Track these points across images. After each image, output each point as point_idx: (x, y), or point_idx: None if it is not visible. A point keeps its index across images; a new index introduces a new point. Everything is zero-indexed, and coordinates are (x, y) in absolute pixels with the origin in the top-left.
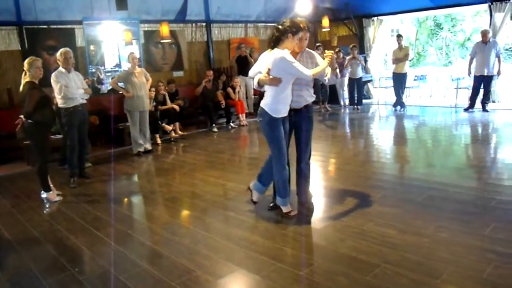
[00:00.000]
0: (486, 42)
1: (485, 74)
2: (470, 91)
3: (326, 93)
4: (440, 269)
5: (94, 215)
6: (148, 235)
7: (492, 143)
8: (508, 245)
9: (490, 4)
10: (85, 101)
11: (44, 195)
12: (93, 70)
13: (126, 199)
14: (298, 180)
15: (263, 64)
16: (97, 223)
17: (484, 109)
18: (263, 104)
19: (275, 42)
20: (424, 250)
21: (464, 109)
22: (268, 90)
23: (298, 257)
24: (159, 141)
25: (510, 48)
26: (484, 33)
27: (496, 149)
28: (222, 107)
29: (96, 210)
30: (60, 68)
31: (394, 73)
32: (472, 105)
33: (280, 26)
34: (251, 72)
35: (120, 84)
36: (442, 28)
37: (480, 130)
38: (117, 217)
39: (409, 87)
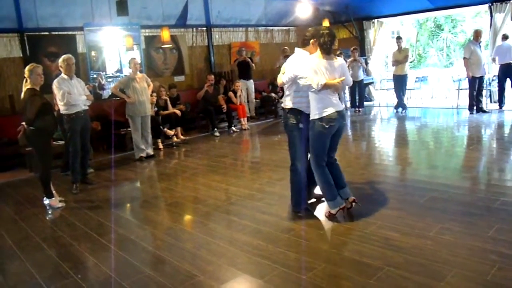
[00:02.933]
0: (479, 42)
1: (479, 75)
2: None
3: None
4: (444, 271)
5: (97, 221)
6: (150, 240)
7: (494, 144)
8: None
9: (490, 4)
10: (87, 107)
11: (46, 201)
12: (95, 76)
13: (128, 205)
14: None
15: (320, 67)
16: (99, 229)
17: (481, 110)
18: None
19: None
20: (428, 252)
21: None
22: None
23: (301, 261)
24: (161, 146)
25: None
26: (477, 33)
27: (498, 150)
28: (224, 111)
29: (98, 216)
30: (62, 75)
31: (394, 75)
32: (472, 105)
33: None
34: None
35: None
36: (442, 29)
37: (482, 131)
38: (119, 223)
39: (410, 89)
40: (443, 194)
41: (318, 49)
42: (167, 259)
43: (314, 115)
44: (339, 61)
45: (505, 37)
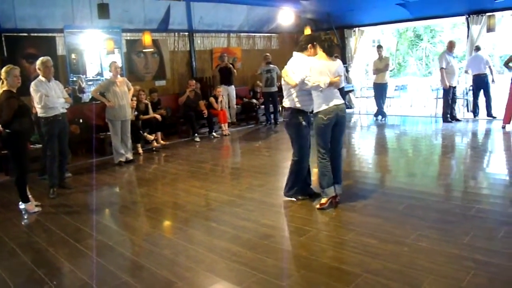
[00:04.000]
0: (452, 52)
1: (453, 85)
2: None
3: None
4: (421, 278)
5: (74, 227)
6: (128, 246)
7: (469, 152)
8: (487, 253)
9: (467, 16)
10: (65, 111)
11: (22, 206)
12: (74, 79)
13: (107, 210)
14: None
15: (324, 68)
16: (77, 234)
17: (455, 119)
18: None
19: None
20: (405, 259)
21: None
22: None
23: (280, 267)
24: (140, 150)
25: None
26: (451, 44)
27: (473, 158)
28: (205, 116)
29: (76, 221)
30: (40, 77)
31: (375, 83)
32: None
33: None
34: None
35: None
36: (421, 39)
37: (458, 139)
38: (97, 229)
39: (390, 97)
40: (420, 202)
41: (319, 52)
42: (145, 266)
43: (316, 109)
44: (337, 62)
45: (477, 49)
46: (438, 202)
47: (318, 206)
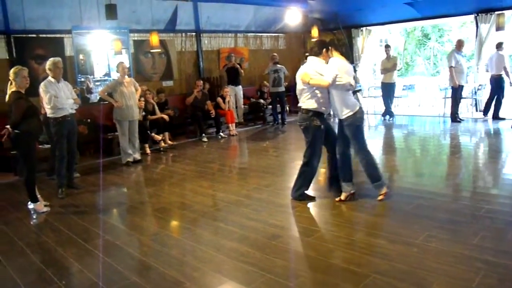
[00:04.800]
0: (461, 51)
1: (462, 84)
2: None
3: None
4: (430, 279)
5: (82, 227)
6: (136, 246)
7: (480, 153)
8: (497, 254)
9: (476, 15)
10: (74, 111)
11: (31, 206)
12: (82, 80)
13: (114, 210)
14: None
15: (349, 69)
16: (85, 234)
17: (459, 118)
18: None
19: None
20: (414, 259)
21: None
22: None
23: (288, 268)
24: (148, 151)
25: None
26: (460, 43)
27: (482, 158)
28: (212, 116)
29: (84, 221)
30: (49, 78)
31: (382, 83)
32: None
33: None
34: (332, 76)
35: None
36: (429, 39)
37: (468, 139)
38: (105, 228)
39: (397, 97)
40: (429, 202)
41: (337, 55)
42: (153, 266)
43: (349, 112)
44: (351, 65)
45: (499, 46)
46: (447, 202)
47: (381, 197)
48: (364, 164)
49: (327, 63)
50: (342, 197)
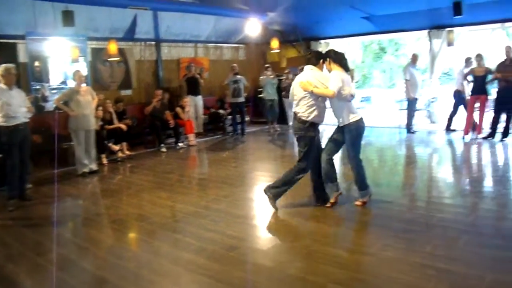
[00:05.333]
0: (416, 65)
1: (416, 96)
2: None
3: (275, 114)
4: (385, 287)
5: (35, 240)
6: (91, 260)
7: (433, 163)
8: (448, 261)
9: (429, 31)
10: (27, 120)
11: None
12: (37, 87)
13: (69, 222)
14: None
15: (349, 80)
16: (37, 248)
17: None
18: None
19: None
20: (370, 268)
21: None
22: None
23: (246, 279)
24: (105, 161)
25: (447, 72)
26: (414, 57)
27: (437, 168)
28: (171, 126)
29: (36, 234)
30: (1, 85)
31: None
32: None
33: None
34: (338, 86)
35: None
36: (386, 52)
37: (422, 150)
38: (59, 242)
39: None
40: (386, 211)
41: (335, 67)
42: (108, 279)
43: (351, 119)
44: (348, 75)
45: (467, 60)
46: (402, 212)
47: (360, 203)
48: (356, 172)
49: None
50: (332, 199)
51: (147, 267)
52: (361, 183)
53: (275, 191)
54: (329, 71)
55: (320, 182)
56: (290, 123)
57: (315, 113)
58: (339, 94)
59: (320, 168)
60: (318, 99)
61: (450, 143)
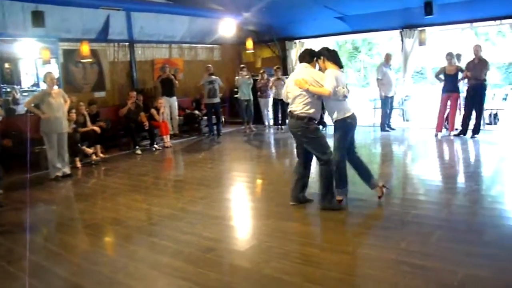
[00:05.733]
0: (389, 64)
1: (390, 95)
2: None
3: (251, 114)
4: (361, 284)
5: (6, 247)
6: (65, 266)
7: (408, 160)
8: (422, 257)
9: (401, 30)
10: None
11: None
12: (8, 90)
13: (42, 228)
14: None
15: (343, 78)
16: (9, 255)
17: (389, 128)
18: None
19: None
20: (345, 266)
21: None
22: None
23: (223, 281)
24: (79, 164)
25: (419, 71)
26: (387, 56)
27: (411, 166)
28: (146, 128)
29: (8, 241)
30: None
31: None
32: (384, 123)
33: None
34: (333, 85)
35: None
36: (360, 51)
37: (397, 148)
38: (32, 248)
39: None
40: (360, 209)
41: (330, 65)
42: (83, 285)
43: (340, 116)
44: (343, 73)
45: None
46: (377, 209)
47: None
48: (336, 166)
49: None
50: (379, 193)
51: (123, 272)
52: (339, 180)
53: (329, 198)
54: (323, 69)
55: (303, 183)
56: (266, 123)
57: (312, 110)
58: (334, 93)
59: (307, 170)
60: (314, 97)
61: (424, 140)
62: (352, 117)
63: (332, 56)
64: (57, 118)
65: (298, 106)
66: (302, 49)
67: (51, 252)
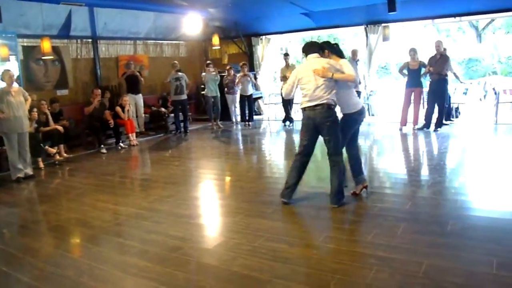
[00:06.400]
0: (356, 60)
1: (358, 90)
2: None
3: (218, 110)
4: (328, 279)
5: None
6: (27, 270)
7: (374, 154)
8: (388, 249)
9: (365, 26)
10: None
11: None
12: None
13: (3, 232)
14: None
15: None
16: None
17: None
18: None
19: None
20: (313, 261)
21: None
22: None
23: (190, 280)
24: (41, 165)
25: (384, 66)
26: (354, 52)
27: (377, 159)
28: (111, 126)
29: None
30: None
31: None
32: None
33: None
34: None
35: None
36: None
37: (363, 142)
38: None
39: (297, 103)
40: (329, 204)
41: (333, 56)
42: None
43: (349, 110)
44: None
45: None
46: (346, 203)
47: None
48: (342, 163)
49: None
50: (358, 190)
51: (88, 274)
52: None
53: (343, 192)
54: None
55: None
56: (234, 120)
57: (335, 98)
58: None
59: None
60: (335, 85)
61: (389, 135)
62: (360, 112)
63: (335, 49)
64: (17, 118)
65: (325, 95)
66: (307, 42)
67: (12, 257)
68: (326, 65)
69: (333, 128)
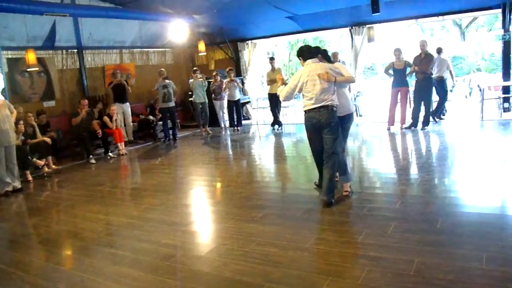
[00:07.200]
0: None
1: None
2: None
3: (207, 116)
4: (320, 281)
5: None
6: (17, 285)
7: (363, 155)
8: (378, 249)
9: (350, 28)
10: None
11: None
12: None
13: None
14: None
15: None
16: None
17: None
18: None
19: None
20: (305, 264)
21: None
22: None
23: (182, 287)
24: (30, 178)
25: (370, 67)
26: (334, 55)
27: (366, 160)
28: (99, 136)
29: None
30: None
31: (269, 94)
32: None
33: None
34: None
35: None
36: None
37: (352, 142)
38: None
39: (285, 106)
40: (318, 206)
41: (325, 61)
42: None
43: (349, 111)
44: None
45: (439, 51)
46: (334, 205)
47: (345, 193)
48: (341, 160)
49: None
50: (348, 188)
51: (80, 286)
52: (346, 167)
53: (334, 190)
54: None
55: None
56: (222, 125)
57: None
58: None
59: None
60: (335, 88)
61: (377, 135)
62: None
63: (325, 55)
64: (3, 131)
65: (329, 98)
66: (301, 47)
67: (2, 272)
68: (329, 70)
69: (335, 127)
